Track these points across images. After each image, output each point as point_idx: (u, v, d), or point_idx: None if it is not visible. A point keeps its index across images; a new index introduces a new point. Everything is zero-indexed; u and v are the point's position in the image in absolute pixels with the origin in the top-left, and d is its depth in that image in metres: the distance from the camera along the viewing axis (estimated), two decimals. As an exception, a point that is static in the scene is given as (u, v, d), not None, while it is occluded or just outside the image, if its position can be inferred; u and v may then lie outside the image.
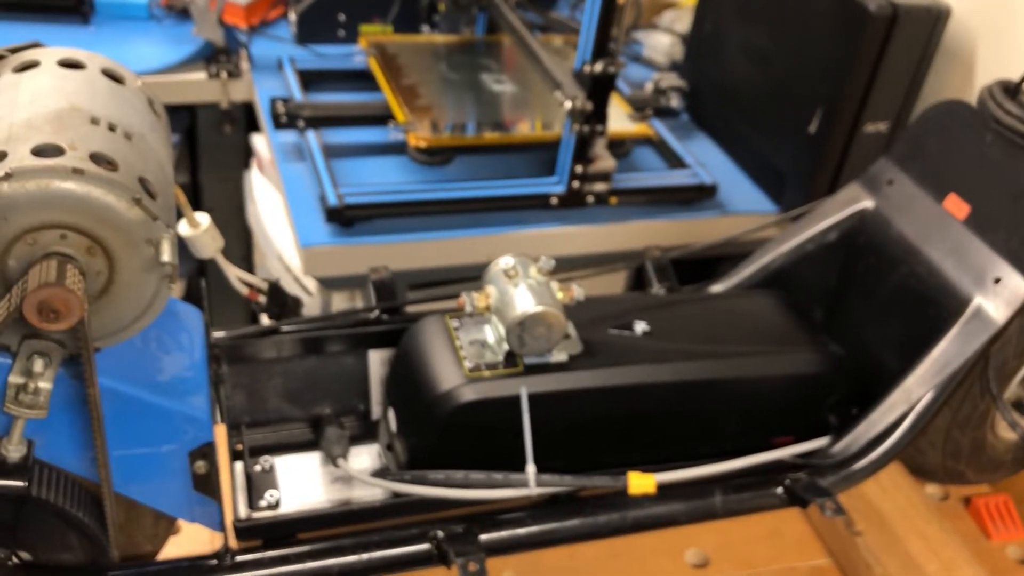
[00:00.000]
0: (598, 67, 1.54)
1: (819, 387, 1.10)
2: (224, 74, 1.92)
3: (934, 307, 1.07)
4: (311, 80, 1.91)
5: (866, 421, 1.07)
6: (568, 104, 1.55)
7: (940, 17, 1.57)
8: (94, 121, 0.78)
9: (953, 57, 1.63)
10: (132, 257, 0.77)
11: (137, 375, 0.87)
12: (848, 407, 1.13)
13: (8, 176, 0.70)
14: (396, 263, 1.59)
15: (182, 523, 1.04)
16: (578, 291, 1.01)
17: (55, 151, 0.73)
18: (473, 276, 1.70)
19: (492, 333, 1.01)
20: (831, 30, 1.60)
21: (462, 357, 0.99)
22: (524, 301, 0.97)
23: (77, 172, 0.72)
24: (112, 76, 0.86)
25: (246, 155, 2.04)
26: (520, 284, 0.98)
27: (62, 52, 0.86)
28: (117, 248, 0.76)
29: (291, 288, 1.66)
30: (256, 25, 2.06)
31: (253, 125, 1.99)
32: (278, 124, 1.72)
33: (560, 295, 1.00)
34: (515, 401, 0.97)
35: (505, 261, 1.00)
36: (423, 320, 1.04)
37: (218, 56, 1.93)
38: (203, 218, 0.99)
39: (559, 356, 1.01)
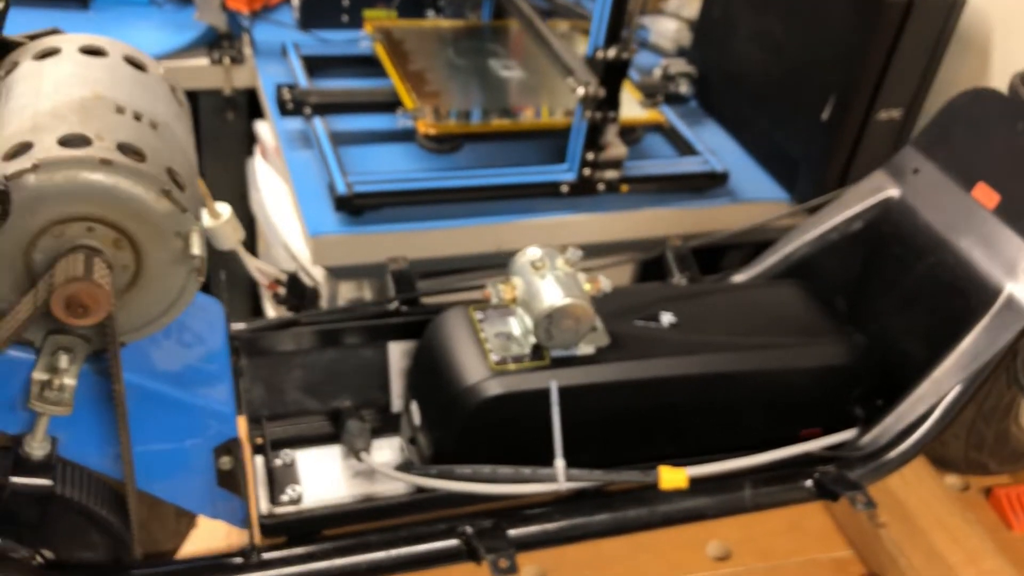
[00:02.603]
0: (611, 53, 1.52)
1: (846, 378, 1.09)
2: (227, 60, 1.89)
3: (962, 297, 1.06)
4: (316, 66, 1.88)
5: (894, 413, 1.06)
6: (581, 91, 1.53)
7: (956, 4, 1.55)
8: (119, 110, 0.76)
9: (968, 45, 1.62)
10: (160, 250, 0.75)
11: (160, 369, 0.85)
12: (874, 398, 1.12)
13: (35, 167, 0.68)
14: (405, 252, 1.57)
15: (198, 518, 1.02)
16: (605, 282, 0.99)
17: (82, 141, 0.71)
18: (484, 265, 1.70)
19: (518, 325, 1.00)
20: (845, 16, 1.58)
21: (488, 350, 0.97)
22: (552, 293, 0.95)
23: (105, 163, 0.70)
24: (134, 63, 0.84)
25: (249, 142, 2.01)
26: (547, 275, 0.97)
27: (83, 39, 0.83)
28: (145, 241, 0.74)
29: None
30: (258, 10, 2.03)
31: (256, 112, 1.96)
32: (284, 111, 1.70)
33: (587, 287, 0.98)
34: (542, 395, 0.95)
35: (532, 252, 0.99)
36: (447, 312, 1.03)
37: (221, 42, 1.90)
38: (224, 208, 0.96)
39: (586, 349, 0.99)
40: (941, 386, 1.04)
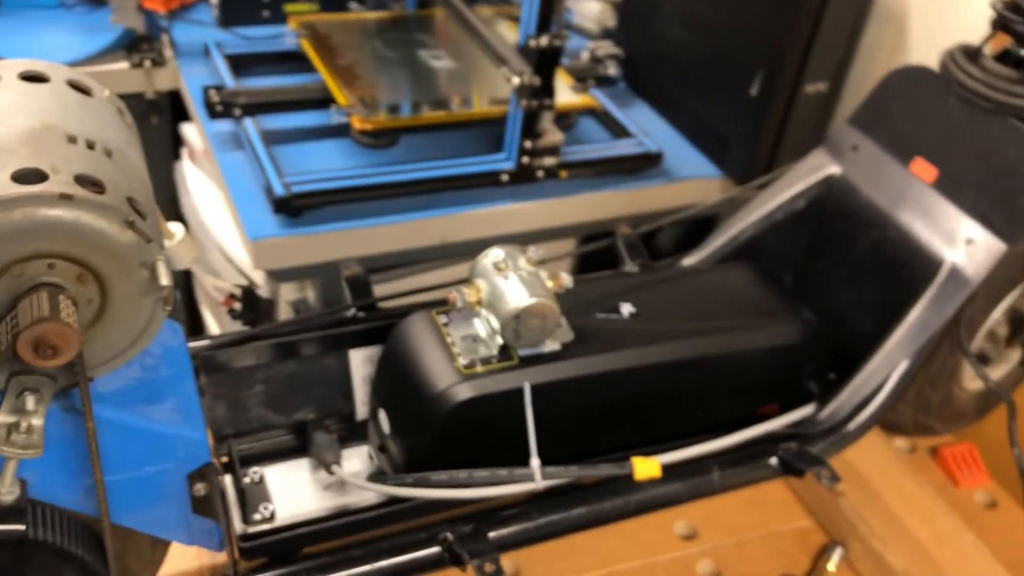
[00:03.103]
0: (543, 41, 1.52)
1: (800, 356, 1.12)
2: (147, 63, 1.84)
3: (907, 270, 1.10)
4: (241, 65, 1.84)
5: (850, 387, 1.09)
6: (516, 80, 1.52)
7: None
8: (71, 140, 0.73)
9: (887, 17, 1.66)
10: (125, 282, 0.72)
11: (127, 400, 0.83)
12: (826, 373, 1.15)
13: (-9, 207, 0.65)
14: (348, 250, 1.56)
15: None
16: (566, 279, 1.00)
17: (37, 176, 0.68)
18: (427, 259, 1.69)
19: (483, 327, 1.00)
20: (768, -1, 1.61)
21: (455, 353, 0.97)
22: (518, 294, 0.95)
23: (65, 197, 0.67)
24: (79, 88, 0.81)
25: (175, 146, 1.96)
26: (511, 276, 0.97)
27: (20, 64, 0.80)
28: (109, 274, 0.72)
29: (234, 281, 1.61)
30: (175, 9, 1.97)
31: (181, 114, 1.91)
32: (213, 113, 1.66)
33: (550, 284, 0.98)
34: (513, 395, 0.96)
35: (495, 254, 0.99)
36: (410, 318, 1.02)
37: (139, 44, 1.84)
38: (176, 228, 0.94)
39: (552, 346, 1.00)
40: (893, 358, 1.07)
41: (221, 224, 1.74)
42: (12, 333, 0.67)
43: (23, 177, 0.68)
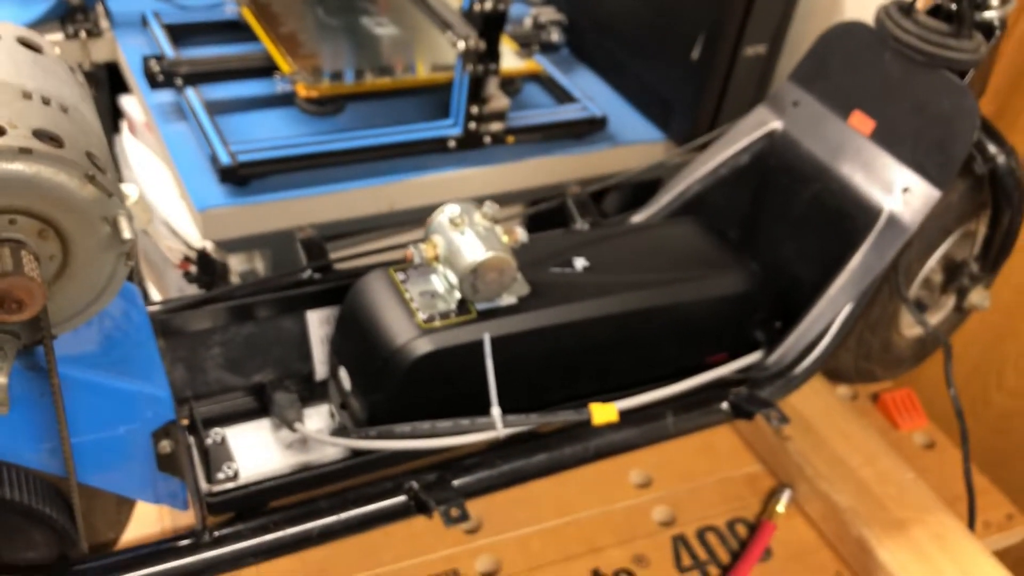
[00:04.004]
0: (488, 5, 1.53)
1: (747, 305, 1.16)
2: (83, 34, 1.80)
3: (848, 220, 1.14)
4: (180, 34, 1.81)
5: (795, 333, 1.13)
6: (461, 44, 1.53)
7: None
8: (26, 95, 0.73)
9: (822, -22, 1.71)
10: (87, 237, 0.73)
11: (90, 358, 0.83)
12: (772, 322, 1.19)
13: (-51, 162, 0.65)
14: (296, 219, 1.56)
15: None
16: (522, 233, 1.02)
17: (-6, 131, 0.68)
18: (377, 226, 1.70)
19: (441, 283, 1.01)
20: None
21: (414, 309, 0.99)
22: (474, 249, 0.97)
23: (24, 151, 0.67)
24: (29, 45, 0.80)
25: (114, 118, 1.93)
26: (467, 231, 0.99)
27: (-32, 21, 0.79)
28: (71, 229, 0.72)
29: (168, 249, 1.60)
30: (109, -22, 1.93)
31: (119, 86, 1.88)
32: (154, 84, 1.64)
33: (505, 239, 1.00)
34: (472, 347, 0.98)
35: (451, 209, 1.00)
36: (368, 276, 1.03)
37: (74, 15, 1.80)
38: (131, 190, 0.93)
39: (509, 299, 1.02)
40: (835, 304, 1.11)
41: (165, 197, 1.72)
42: (-25, 289, 0.67)
43: (-20, 132, 0.67)
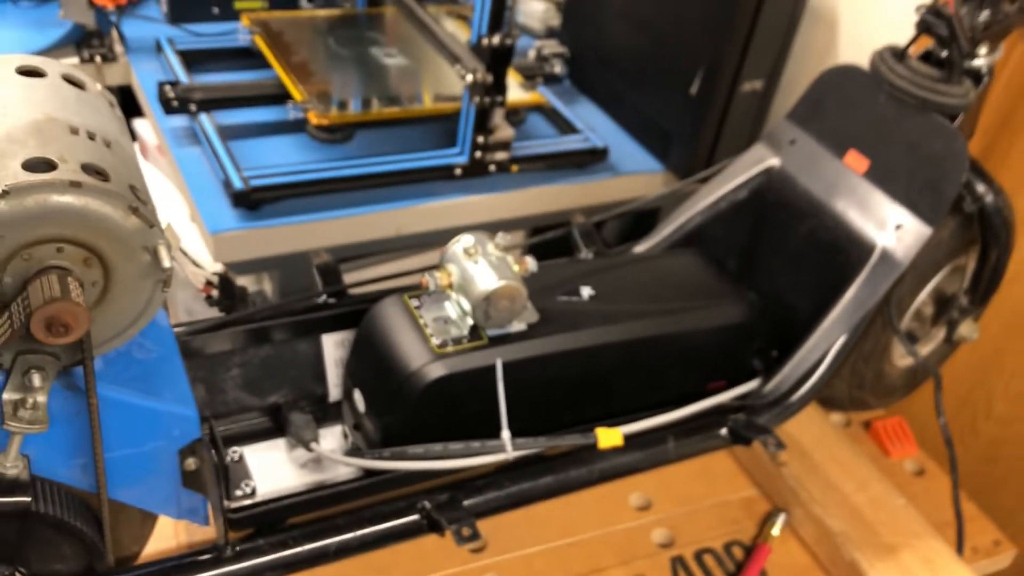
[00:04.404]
0: (496, 39, 1.58)
1: (746, 334, 1.20)
2: (98, 58, 1.85)
3: (842, 255, 1.19)
4: (193, 61, 1.86)
5: (791, 362, 1.18)
6: (469, 77, 1.58)
7: None
8: (74, 131, 0.77)
9: (818, 18, 1.76)
10: (128, 265, 0.77)
11: (122, 378, 0.87)
12: (770, 351, 1.24)
13: (5, 193, 0.69)
14: (307, 243, 1.60)
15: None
16: (531, 263, 1.06)
17: (47, 165, 0.72)
18: (384, 250, 1.74)
19: (454, 309, 1.06)
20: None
21: (428, 334, 1.03)
22: (487, 277, 1.01)
23: (75, 185, 0.71)
24: (73, 82, 0.84)
25: (127, 141, 1.97)
26: (480, 260, 1.03)
27: (15, 59, 0.83)
28: (114, 257, 0.76)
29: (192, 274, 1.64)
30: (124, 5, 1.98)
31: (131, 110, 1.92)
32: (168, 109, 1.68)
33: (516, 268, 1.05)
34: (484, 372, 1.02)
35: (465, 239, 1.05)
36: (383, 301, 1.07)
37: (90, 39, 1.85)
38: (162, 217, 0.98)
39: (519, 326, 1.06)
40: (830, 335, 1.16)
41: (176, 219, 1.76)
42: (25, 312, 0.71)
43: (33, 166, 0.72)
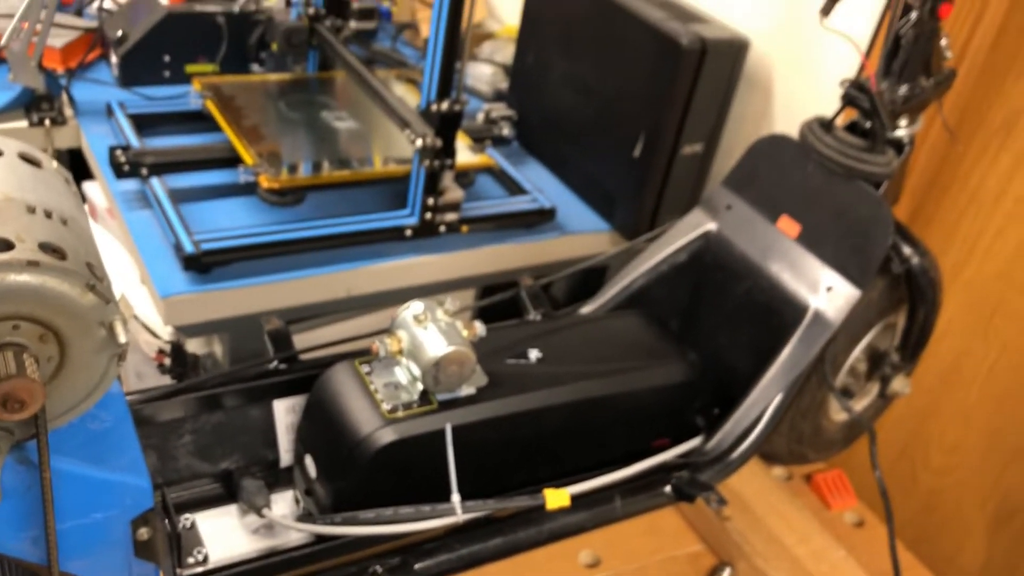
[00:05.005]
0: (444, 105, 1.63)
1: (688, 393, 1.25)
2: (48, 122, 1.86)
3: (777, 316, 1.24)
4: (144, 124, 1.88)
5: (732, 420, 1.22)
6: (419, 142, 1.63)
7: (741, 49, 1.77)
8: (31, 210, 0.79)
9: (753, 84, 1.84)
10: (84, 340, 0.78)
11: (73, 448, 0.88)
12: (711, 409, 1.28)
13: (-38, 274, 0.71)
14: (258, 305, 1.62)
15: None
16: (480, 328, 1.10)
17: (4, 245, 0.74)
18: (336, 311, 1.76)
19: (404, 375, 1.08)
20: (648, 62, 1.76)
21: (379, 400, 1.05)
22: (437, 343, 1.04)
23: (32, 264, 0.73)
24: (29, 160, 0.86)
25: (76, 203, 1.97)
26: (430, 326, 1.06)
27: (-27, 138, 0.85)
28: (70, 333, 0.77)
29: (144, 342, 1.64)
30: (74, 69, 2.00)
31: (81, 173, 1.93)
32: (120, 173, 1.70)
33: (465, 333, 1.08)
34: (434, 436, 1.04)
35: (415, 307, 1.08)
36: (334, 368, 1.10)
37: (39, 103, 1.86)
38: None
39: (468, 390, 1.09)
40: (768, 393, 1.21)
41: (126, 282, 1.76)
42: (-20, 390, 0.72)
43: (-10, 246, 0.73)
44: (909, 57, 1.12)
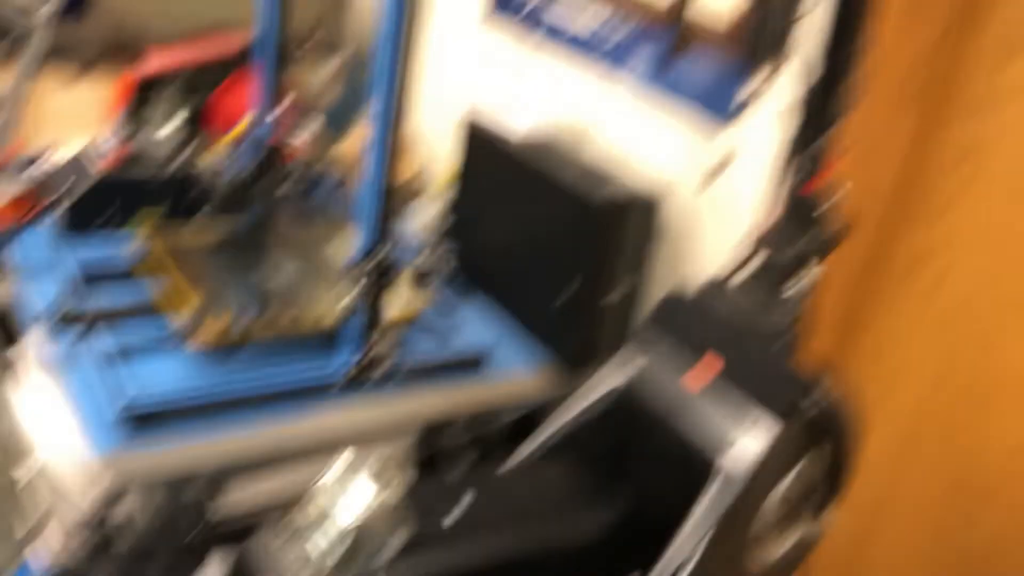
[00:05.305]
0: (379, 258, 1.68)
1: (609, 548, 1.26)
2: (-19, 281, 1.87)
3: (688, 472, 1.26)
4: (84, 276, 1.89)
5: (653, 576, 1.23)
6: (345, 300, 1.67)
7: (653, 206, 1.93)
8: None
9: (668, 234, 1.96)
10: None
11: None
12: (633, 568, 1.29)
13: None
14: (192, 461, 1.61)
15: None
16: (407, 485, 1.11)
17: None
18: (268, 463, 1.75)
19: (326, 538, 1.09)
20: (570, 219, 1.91)
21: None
22: (360, 505, 1.06)
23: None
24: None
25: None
26: (353, 487, 1.08)
27: None
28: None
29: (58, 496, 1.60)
30: (10, 228, 2.02)
31: (16, 328, 1.93)
32: (52, 330, 1.71)
33: (390, 491, 1.09)
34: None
35: (337, 467, 1.09)
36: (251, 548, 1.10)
37: (-30, 261, 1.88)
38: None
39: (392, 550, 1.10)
40: (683, 551, 1.22)
41: (51, 440, 1.73)
42: None
43: None
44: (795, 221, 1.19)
